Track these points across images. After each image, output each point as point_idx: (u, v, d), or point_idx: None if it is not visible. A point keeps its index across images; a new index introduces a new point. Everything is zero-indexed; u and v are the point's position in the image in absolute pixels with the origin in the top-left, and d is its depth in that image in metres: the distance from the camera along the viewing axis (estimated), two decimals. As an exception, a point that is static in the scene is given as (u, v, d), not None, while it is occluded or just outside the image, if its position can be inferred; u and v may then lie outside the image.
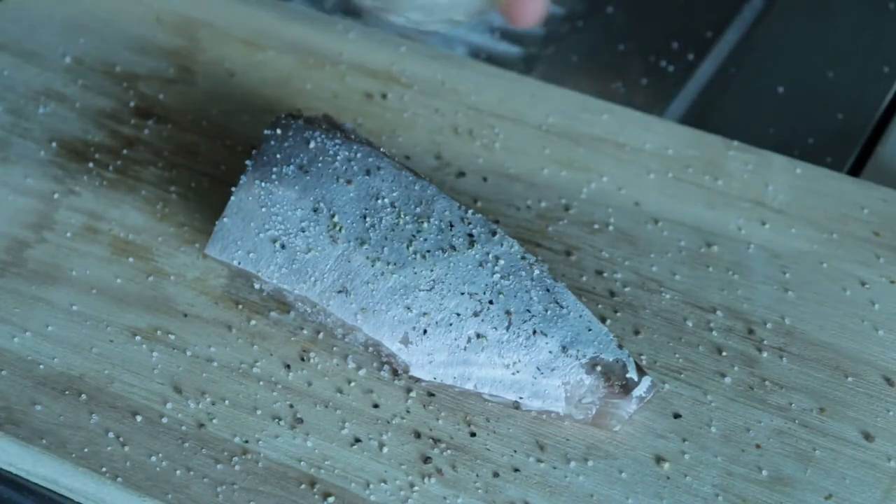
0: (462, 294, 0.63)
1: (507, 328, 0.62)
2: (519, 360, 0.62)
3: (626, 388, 0.62)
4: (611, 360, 0.62)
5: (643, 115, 0.78)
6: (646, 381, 0.62)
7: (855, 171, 0.79)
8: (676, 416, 0.63)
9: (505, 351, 0.62)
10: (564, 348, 0.62)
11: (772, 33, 0.88)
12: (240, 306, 0.68)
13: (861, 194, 0.73)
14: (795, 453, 0.62)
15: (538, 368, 0.62)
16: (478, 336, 0.62)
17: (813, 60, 0.86)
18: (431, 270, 0.63)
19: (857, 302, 0.68)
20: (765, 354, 0.66)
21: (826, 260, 0.70)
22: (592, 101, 0.78)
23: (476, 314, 0.63)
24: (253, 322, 0.67)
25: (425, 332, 0.63)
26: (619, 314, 0.68)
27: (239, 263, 0.65)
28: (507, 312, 0.63)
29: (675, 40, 0.88)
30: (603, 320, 0.67)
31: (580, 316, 0.63)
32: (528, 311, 0.63)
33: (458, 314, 0.63)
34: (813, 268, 0.70)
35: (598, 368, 0.62)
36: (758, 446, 0.62)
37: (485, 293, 0.63)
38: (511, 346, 0.62)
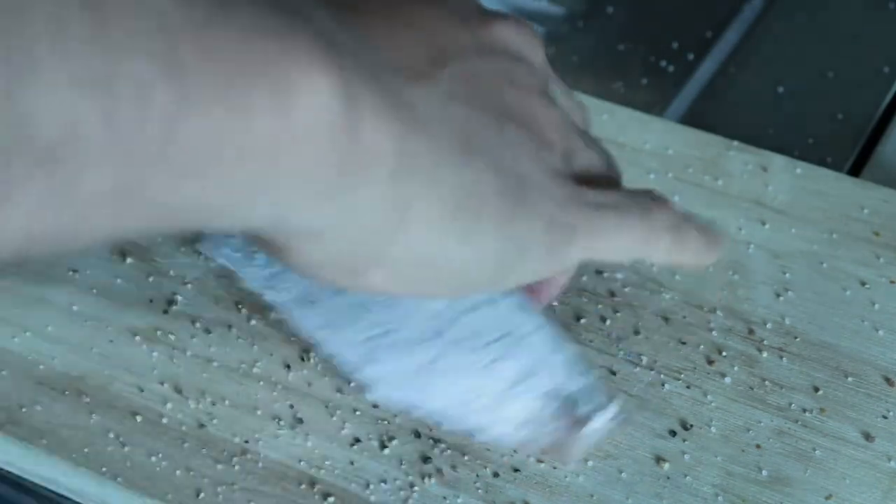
0: (422, 315, 0.59)
1: (467, 353, 0.58)
2: (478, 387, 0.58)
3: (582, 421, 0.58)
4: (573, 389, 0.58)
5: (643, 115, 0.77)
6: (610, 409, 0.59)
7: (855, 171, 0.79)
8: (682, 423, 0.63)
9: (462, 377, 0.58)
10: (524, 376, 0.58)
11: (772, 33, 0.88)
12: (240, 306, 0.68)
13: (861, 194, 0.73)
14: (795, 453, 0.62)
15: (496, 396, 0.58)
16: (435, 360, 0.58)
17: (813, 60, 0.86)
18: None
19: (857, 302, 0.68)
20: (765, 354, 0.66)
21: (826, 260, 0.70)
22: (592, 101, 0.78)
23: (435, 336, 0.58)
24: (253, 322, 0.67)
25: (383, 353, 0.59)
26: (619, 314, 0.68)
27: (224, 262, 0.65)
28: (468, 336, 0.58)
29: (675, 40, 0.88)
30: (603, 320, 0.67)
31: (545, 341, 0.59)
32: (490, 335, 0.58)
33: (418, 336, 0.59)
34: (813, 268, 0.70)
35: (558, 399, 0.58)
36: (758, 446, 0.62)
37: (447, 315, 0.59)
38: (470, 371, 0.58)
